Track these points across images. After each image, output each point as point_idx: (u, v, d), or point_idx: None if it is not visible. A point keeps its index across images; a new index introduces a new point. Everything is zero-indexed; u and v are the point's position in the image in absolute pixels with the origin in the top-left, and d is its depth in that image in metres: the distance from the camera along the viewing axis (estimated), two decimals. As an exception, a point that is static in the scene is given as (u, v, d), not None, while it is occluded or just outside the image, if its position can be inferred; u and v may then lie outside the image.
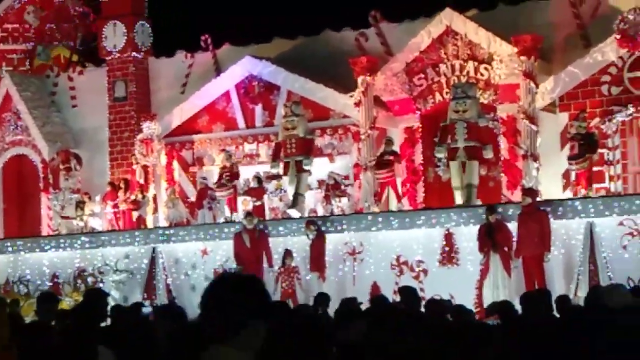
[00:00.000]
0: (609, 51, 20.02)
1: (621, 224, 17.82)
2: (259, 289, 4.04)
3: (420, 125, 22.25)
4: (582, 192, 19.24)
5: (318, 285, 19.30)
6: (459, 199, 19.68)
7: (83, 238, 22.77)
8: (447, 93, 21.48)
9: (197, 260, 21.38)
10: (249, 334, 3.95)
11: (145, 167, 24.40)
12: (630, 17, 19.54)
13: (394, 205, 21.28)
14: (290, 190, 21.31)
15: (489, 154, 19.79)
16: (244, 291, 4.00)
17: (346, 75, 22.13)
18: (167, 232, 21.97)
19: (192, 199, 23.75)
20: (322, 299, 14.50)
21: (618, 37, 19.64)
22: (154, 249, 21.71)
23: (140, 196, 23.82)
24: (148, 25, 26.57)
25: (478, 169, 19.91)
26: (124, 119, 26.10)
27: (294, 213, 20.91)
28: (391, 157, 21.46)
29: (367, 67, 21.84)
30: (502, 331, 8.00)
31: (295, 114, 21.31)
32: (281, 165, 21.43)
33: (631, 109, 19.86)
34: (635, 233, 17.71)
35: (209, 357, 3.92)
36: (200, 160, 24.56)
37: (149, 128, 24.35)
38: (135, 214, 23.73)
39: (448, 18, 21.64)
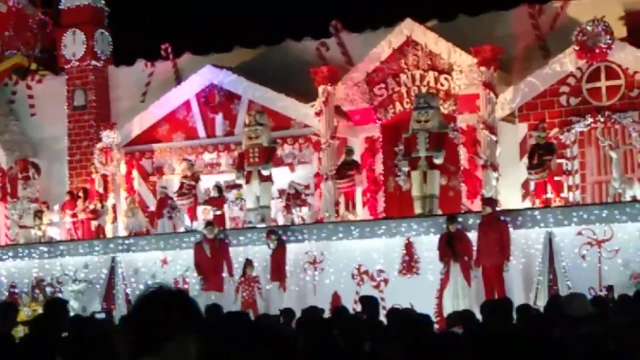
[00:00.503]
0: (567, 62, 20.20)
1: (580, 233, 17.97)
2: (186, 302, 4.11)
3: (381, 135, 22.32)
4: (557, 200, 19.36)
5: (279, 295, 19.27)
6: (418, 208, 19.72)
7: (41, 247, 22.57)
8: (407, 103, 21.56)
9: (157, 269, 21.27)
10: (175, 347, 4.01)
11: (104, 176, 24.26)
12: (589, 28, 19.72)
13: (352, 214, 21.30)
14: (253, 199, 21.21)
15: (439, 159, 19.76)
16: (170, 304, 4.07)
17: (307, 85, 22.16)
18: (126, 241, 21.83)
19: (152, 208, 23.63)
20: (288, 314, 14.46)
21: (576, 48, 19.82)
22: (113, 258, 21.56)
23: (99, 205, 23.66)
24: (108, 34, 26.45)
25: (439, 178, 19.98)
26: (83, 128, 25.93)
27: (261, 225, 20.83)
28: (352, 167, 21.48)
29: (328, 77, 21.87)
30: (466, 341, 8.01)
31: (259, 123, 21.27)
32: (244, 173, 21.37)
33: (589, 120, 20.04)
34: (593, 243, 17.85)
35: None
36: (160, 169, 24.45)
37: (109, 137, 24.21)
38: (94, 224, 23.57)
39: (408, 28, 21.74)
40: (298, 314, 13.34)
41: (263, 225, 20.71)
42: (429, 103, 19.96)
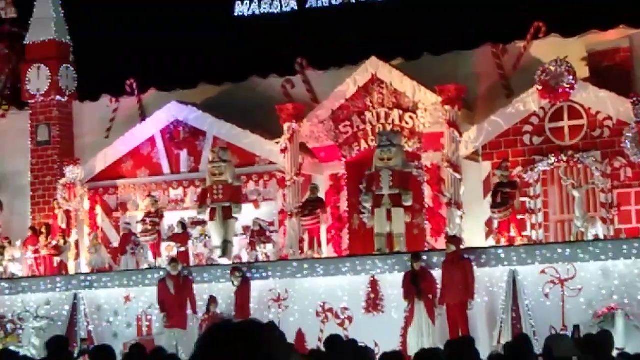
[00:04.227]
0: (530, 102, 20.39)
1: (543, 272, 18.06)
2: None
3: (346, 173, 22.38)
4: (518, 239, 19.45)
5: (242, 332, 19.14)
6: (378, 245, 19.67)
7: (3, 284, 22.32)
8: (372, 141, 21.65)
9: (120, 306, 21.11)
10: None
11: (67, 212, 24.11)
12: (552, 68, 19.94)
13: (318, 252, 21.27)
14: (217, 237, 21.14)
15: (408, 201, 19.83)
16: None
17: (272, 122, 22.21)
18: (89, 278, 21.66)
19: (115, 244, 23.49)
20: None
21: (540, 87, 20.02)
22: (75, 295, 21.37)
23: (62, 241, 23.48)
24: (73, 69, 26.38)
25: (404, 216, 20.02)
26: (46, 163, 25.78)
27: (224, 261, 20.76)
28: (317, 204, 21.47)
29: (293, 114, 21.93)
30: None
31: (223, 159, 21.22)
32: (208, 211, 21.29)
33: (552, 159, 20.21)
34: (556, 281, 17.94)
35: None
36: (123, 205, 24.32)
37: (72, 172, 24.09)
38: (56, 260, 23.36)
39: (374, 66, 21.87)
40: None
41: (225, 259, 20.64)
42: (391, 141, 20.03)
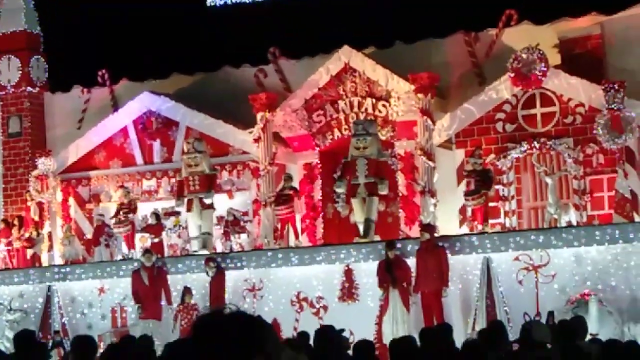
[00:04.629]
0: (503, 89, 20.45)
1: (517, 259, 18.13)
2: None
3: (319, 162, 22.36)
4: (479, 227, 19.53)
5: (217, 322, 19.13)
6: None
7: (-25, 277, 22.20)
8: (346, 129, 21.65)
9: (94, 298, 21.04)
10: None
11: (40, 204, 23.97)
12: (524, 55, 19.99)
13: (292, 241, 21.26)
14: (195, 229, 21.07)
15: (384, 190, 19.85)
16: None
17: (245, 112, 22.15)
18: (62, 270, 21.56)
19: (89, 236, 23.40)
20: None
21: (512, 75, 20.07)
22: (49, 287, 21.27)
23: (34, 233, 23.36)
24: (43, 60, 26.20)
25: (377, 205, 20.04)
26: (18, 155, 25.61)
27: (204, 251, 20.71)
28: (290, 193, 21.46)
29: (266, 104, 21.88)
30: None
31: (198, 150, 21.14)
32: (185, 202, 21.22)
33: (525, 146, 20.28)
34: (530, 268, 18.03)
35: None
36: (96, 196, 24.20)
37: (44, 164, 23.95)
38: (29, 252, 23.24)
39: (346, 55, 21.85)
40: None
41: (205, 251, 20.60)
42: (367, 130, 20.03)
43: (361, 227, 19.70)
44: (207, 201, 20.95)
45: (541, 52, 20.00)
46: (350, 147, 20.02)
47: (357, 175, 19.74)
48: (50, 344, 17.54)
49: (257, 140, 21.90)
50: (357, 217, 19.82)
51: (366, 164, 19.70)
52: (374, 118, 21.23)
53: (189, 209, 21.02)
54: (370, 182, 19.69)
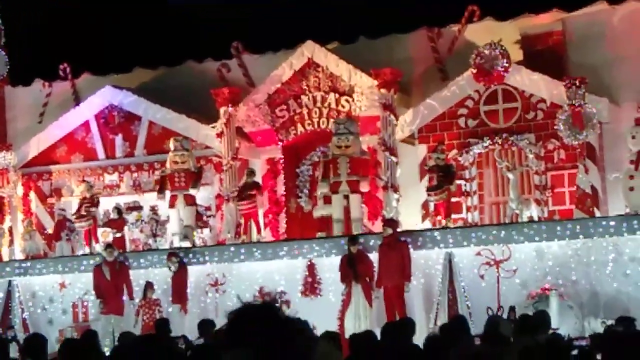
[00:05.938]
0: (465, 85, 20.53)
1: (479, 254, 18.25)
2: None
3: (282, 157, 22.35)
4: (442, 222, 19.61)
5: (180, 317, 19.12)
6: (338, 231, 19.76)
7: None
8: (309, 124, 21.67)
9: (55, 293, 20.93)
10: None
11: (0, 199, 23.77)
12: (486, 51, 20.09)
13: (255, 236, 21.24)
14: (176, 224, 21.07)
15: (365, 187, 20.07)
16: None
17: (208, 106, 22.07)
18: (23, 264, 21.43)
19: (50, 230, 23.24)
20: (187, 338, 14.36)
21: (474, 71, 20.17)
22: (9, 282, 21.15)
23: (-5, 228, 23.17)
24: (4, 53, 25.94)
25: (361, 201, 20.15)
26: (-22, 149, 25.34)
27: (185, 243, 20.68)
28: (253, 188, 21.43)
29: (229, 98, 21.83)
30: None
31: (186, 148, 21.29)
32: (168, 196, 21.22)
33: (487, 142, 20.38)
34: (492, 262, 18.15)
35: None
36: (58, 191, 24.04)
37: (5, 158, 23.74)
38: (-10, 247, 23.06)
39: (310, 50, 21.84)
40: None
41: (187, 243, 20.56)
42: (349, 129, 20.11)
43: (339, 225, 19.70)
44: (192, 197, 21.02)
45: (503, 48, 20.11)
46: (331, 146, 20.12)
47: (338, 173, 19.84)
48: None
49: (219, 135, 21.86)
50: (336, 214, 19.85)
51: (348, 162, 19.82)
52: (337, 113, 21.26)
53: (172, 205, 21.05)
54: (352, 180, 19.80)
